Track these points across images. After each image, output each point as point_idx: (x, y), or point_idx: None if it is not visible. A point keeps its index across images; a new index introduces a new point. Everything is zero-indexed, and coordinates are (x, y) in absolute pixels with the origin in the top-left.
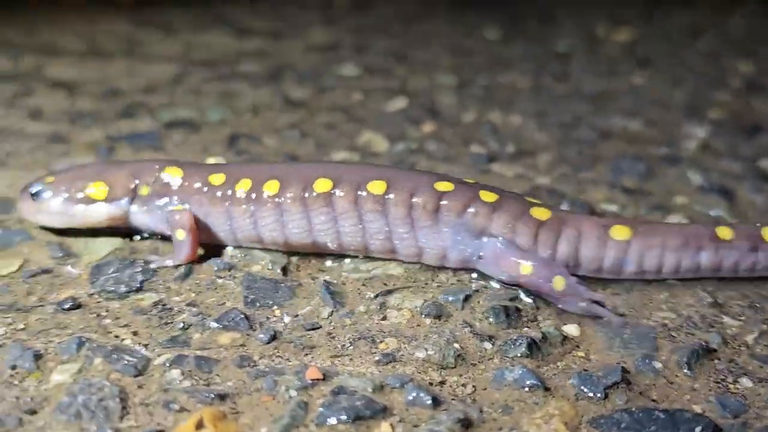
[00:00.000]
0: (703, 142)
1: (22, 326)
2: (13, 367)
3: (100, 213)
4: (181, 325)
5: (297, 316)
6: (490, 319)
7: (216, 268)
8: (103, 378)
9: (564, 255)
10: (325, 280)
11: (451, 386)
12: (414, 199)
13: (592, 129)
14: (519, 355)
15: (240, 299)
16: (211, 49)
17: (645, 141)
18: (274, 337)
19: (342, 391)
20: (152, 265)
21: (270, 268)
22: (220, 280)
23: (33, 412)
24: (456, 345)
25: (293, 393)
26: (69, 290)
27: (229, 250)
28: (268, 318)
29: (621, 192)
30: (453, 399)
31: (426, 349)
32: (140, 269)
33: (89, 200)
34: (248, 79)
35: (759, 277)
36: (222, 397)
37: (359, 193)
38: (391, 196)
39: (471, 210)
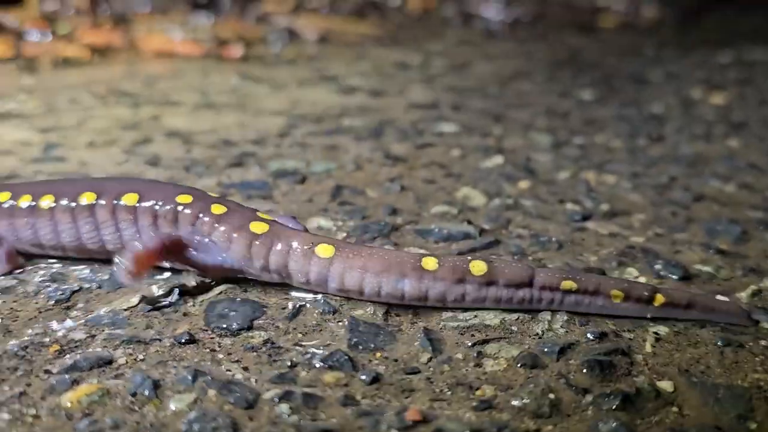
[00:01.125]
0: None
1: (141, 357)
2: (134, 394)
3: None
4: (289, 363)
5: (397, 360)
6: (585, 372)
7: (321, 311)
8: (216, 408)
9: (275, 266)
10: (424, 328)
11: None
12: (157, 209)
13: (687, 191)
14: (613, 408)
15: (344, 341)
16: (316, 105)
17: (740, 204)
18: (375, 379)
19: None
20: None
21: (372, 312)
22: (325, 323)
23: None
24: (551, 395)
25: None
26: (185, 325)
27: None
28: (370, 360)
29: (716, 254)
30: None
31: (522, 398)
32: (250, 309)
33: None
34: (351, 134)
35: None
36: None
37: (115, 203)
38: (141, 205)
39: (200, 219)
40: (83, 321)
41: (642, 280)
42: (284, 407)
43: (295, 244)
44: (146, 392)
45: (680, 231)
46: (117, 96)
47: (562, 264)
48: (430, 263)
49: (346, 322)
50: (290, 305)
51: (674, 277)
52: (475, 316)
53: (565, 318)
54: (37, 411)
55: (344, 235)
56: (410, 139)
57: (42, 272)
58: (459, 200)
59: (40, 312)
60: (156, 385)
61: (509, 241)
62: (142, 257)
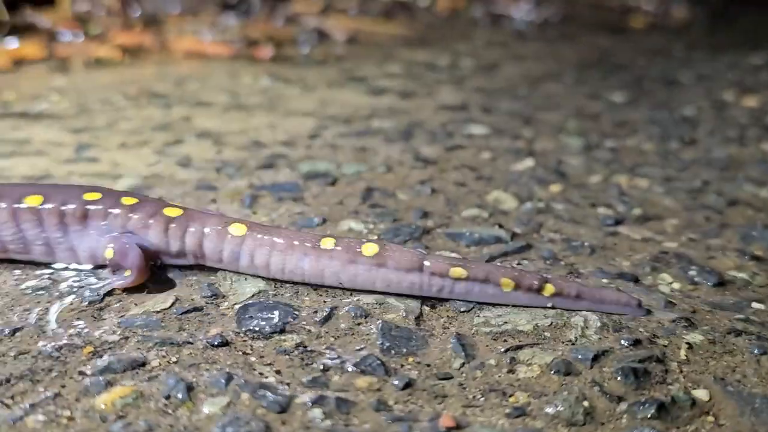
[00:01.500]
0: None
1: (174, 359)
2: (167, 397)
3: None
4: (321, 367)
5: (429, 365)
6: (619, 379)
7: (354, 315)
8: (249, 412)
9: (191, 247)
10: (456, 333)
11: None
12: (64, 208)
13: (720, 195)
14: (648, 416)
15: (376, 346)
16: (345, 106)
17: None
18: (408, 384)
19: None
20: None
21: (404, 316)
22: (357, 327)
23: None
24: (585, 403)
25: None
26: (217, 328)
27: (363, 297)
28: (402, 365)
29: (751, 260)
30: None
31: (555, 405)
32: (283, 312)
33: None
34: (381, 136)
35: None
36: None
37: (17, 205)
38: (46, 206)
39: (112, 213)
40: (116, 323)
41: (676, 286)
42: (317, 412)
43: (208, 224)
44: (179, 395)
45: (714, 236)
46: (148, 97)
47: (594, 269)
48: (327, 243)
49: (378, 327)
50: (322, 309)
51: (709, 283)
52: (506, 323)
53: (599, 324)
54: (71, 413)
55: (375, 238)
56: (440, 141)
57: (75, 274)
58: (490, 203)
59: (74, 313)
60: (189, 388)
61: (541, 245)
62: (140, 269)
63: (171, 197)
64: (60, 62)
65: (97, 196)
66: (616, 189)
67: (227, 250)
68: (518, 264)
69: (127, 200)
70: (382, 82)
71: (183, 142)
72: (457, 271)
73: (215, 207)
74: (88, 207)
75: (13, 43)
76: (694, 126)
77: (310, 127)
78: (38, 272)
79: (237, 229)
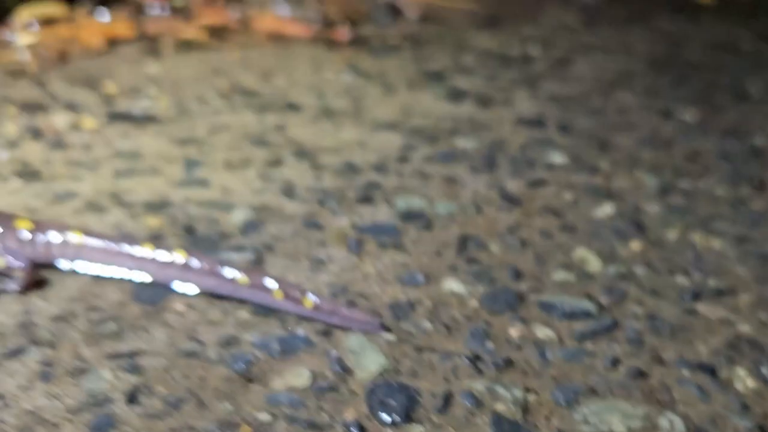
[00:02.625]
0: None
1: None
2: None
3: None
4: None
5: None
6: None
7: (468, 404)
8: None
9: None
10: (558, 429)
11: None
12: None
13: None
14: None
15: None
16: (427, 116)
17: None
18: None
19: None
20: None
21: (512, 408)
22: (472, 417)
23: None
24: None
25: None
26: (351, 411)
27: (473, 384)
28: None
29: None
30: None
31: None
32: (406, 397)
33: None
34: (466, 161)
35: None
36: None
37: None
38: None
39: None
40: (264, 398)
41: (750, 384)
42: None
43: None
44: None
45: None
46: (239, 94)
47: (676, 357)
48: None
49: (491, 419)
50: (438, 394)
51: None
52: (602, 422)
53: (683, 429)
54: None
55: (477, 304)
56: (522, 171)
57: (215, 334)
58: (576, 263)
59: (225, 383)
60: None
61: (626, 322)
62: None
63: (283, 237)
64: (150, 43)
65: None
66: (692, 251)
67: None
68: (606, 346)
69: None
70: (459, 81)
71: (282, 164)
72: (243, 279)
73: (325, 252)
74: None
75: (104, 15)
76: (764, 162)
77: (398, 145)
78: None
79: None
